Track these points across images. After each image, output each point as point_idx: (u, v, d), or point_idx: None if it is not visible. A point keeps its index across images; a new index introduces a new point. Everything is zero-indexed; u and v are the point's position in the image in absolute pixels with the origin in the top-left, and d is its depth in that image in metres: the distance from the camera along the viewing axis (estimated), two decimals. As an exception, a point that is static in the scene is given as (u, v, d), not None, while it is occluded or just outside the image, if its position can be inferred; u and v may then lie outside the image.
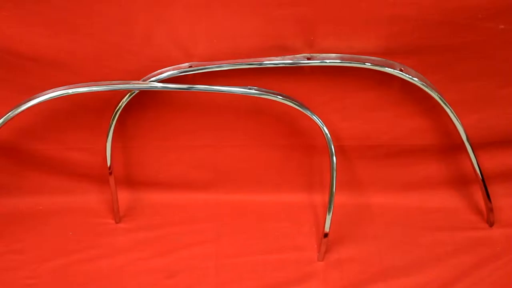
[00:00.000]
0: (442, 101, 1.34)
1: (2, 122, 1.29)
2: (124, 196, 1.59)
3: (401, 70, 1.31)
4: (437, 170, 1.56)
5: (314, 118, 1.33)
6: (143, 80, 1.34)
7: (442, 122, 1.46)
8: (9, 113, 1.28)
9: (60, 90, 1.28)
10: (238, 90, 1.32)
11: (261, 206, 1.59)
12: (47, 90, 1.28)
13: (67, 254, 1.46)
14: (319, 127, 1.33)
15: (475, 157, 1.42)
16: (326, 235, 1.40)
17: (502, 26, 1.29)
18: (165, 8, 1.30)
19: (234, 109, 1.47)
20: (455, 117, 1.36)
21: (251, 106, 1.46)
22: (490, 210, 1.50)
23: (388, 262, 1.42)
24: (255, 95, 1.33)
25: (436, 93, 1.33)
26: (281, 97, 1.33)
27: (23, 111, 1.27)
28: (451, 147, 1.51)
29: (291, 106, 1.34)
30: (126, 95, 1.35)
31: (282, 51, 1.34)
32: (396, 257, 1.43)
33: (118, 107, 1.37)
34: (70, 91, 1.28)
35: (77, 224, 1.55)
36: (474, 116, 1.44)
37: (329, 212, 1.37)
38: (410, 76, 1.31)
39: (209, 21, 1.32)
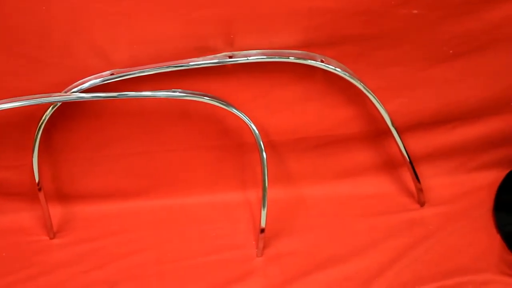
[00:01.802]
0: (365, 89, 1.36)
1: None
2: (56, 211, 1.56)
3: (322, 62, 1.32)
4: (367, 157, 1.59)
5: (241, 116, 1.33)
6: (65, 91, 1.31)
7: (367, 110, 1.48)
8: None
9: (-21, 108, 1.24)
10: (163, 94, 1.31)
11: (196, 209, 1.58)
12: (-35, 109, 1.24)
13: (2, 276, 1.42)
14: (247, 124, 1.34)
15: (401, 141, 1.45)
16: (262, 230, 1.41)
17: (416, 11, 1.32)
18: (81, 16, 1.27)
19: (162, 113, 1.46)
20: (378, 103, 1.38)
21: (179, 109, 1.45)
22: (420, 190, 1.54)
23: (326, 252, 1.44)
24: (180, 98, 1.33)
25: (359, 82, 1.35)
26: (207, 98, 1.33)
27: None
28: (377, 133, 1.53)
29: (218, 106, 1.34)
30: (48, 108, 1.32)
31: (204, 52, 1.34)
32: (333, 247, 1.46)
33: (41, 121, 1.34)
34: (-9, 108, 1.25)
35: (9, 244, 1.51)
36: (397, 101, 1.47)
37: (263, 207, 1.38)
38: (332, 67, 1.33)
39: (127, 26, 1.30)
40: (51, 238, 1.52)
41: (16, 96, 1.28)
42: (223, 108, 1.34)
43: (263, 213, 1.38)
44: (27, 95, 1.28)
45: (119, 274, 1.42)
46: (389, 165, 1.60)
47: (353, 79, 1.34)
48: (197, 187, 1.60)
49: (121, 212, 1.58)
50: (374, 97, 1.37)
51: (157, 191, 1.60)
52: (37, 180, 1.43)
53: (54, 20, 1.27)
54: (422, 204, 1.55)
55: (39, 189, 1.45)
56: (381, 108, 1.39)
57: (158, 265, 1.44)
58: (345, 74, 1.34)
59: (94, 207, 1.58)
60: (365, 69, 1.41)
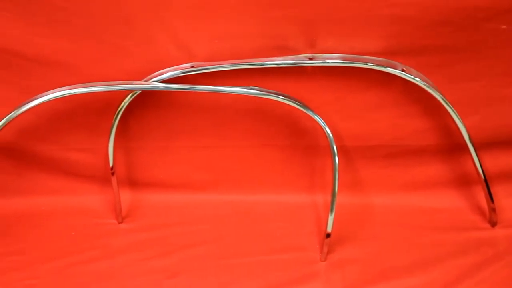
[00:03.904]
0: (444, 101, 1.33)
1: (4, 122, 1.29)
2: (126, 197, 1.59)
3: (403, 70, 1.31)
4: (439, 170, 1.56)
5: (316, 118, 1.33)
6: (145, 81, 1.34)
7: (444, 122, 1.46)
8: (11, 114, 1.28)
9: (62, 91, 1.27)
10: (240, 90, 1.32)
11: (262, 207, 1.59)
12: (49, 90, 1.28)
13: (68, 255, 1.46)
14: (321, 127, 1.33)
15: (478, 158, 1.42)
16: (328, 235, 1.40)
17: (504, 26, 1.30)
18: (165, 8, 1.30)
19: (236, 109, 1.47)
20: (457, 117, 1.36)
21: (253, 107, 1.46)
22: (493, 210, 1.49)
23: (390, 262, 1.42)
24: (257, 95, 1.33)
25: (438, 93, 1.33)
26: (283, 97, 1.33)
27: (24, 111, 1.27)
28: (453, 147, 1.50)
29: (293, 106, 1.34)
30: (128, 95, 1.35)
31: (284, 51, 1.34)
32: (398, 258, 1.43)
33: (120, 107, 1.37)
34: (72, 91, 1.28)
35: (79, 224, 1.55)
36: (476, 116, 1.44)
37: (331, 212, 1.36)
38: (412, 76, 1.31)
39: (210, 21, 1.32)
40: (119, 223, 1.56)
41: (96, 81, 1.32)
42: (298, 108, 1.34)
43: (330, 218, 1.37)
44: (107, 81, 1.32)
45: (179, 264, 1.44)
46: (462, 181, 1.56)
47: (433, 90, 1.32)
48: (264, 185, 1.60)
49: (188, 203, 1.60)
50: (453, 110, 1.34)
51: (225, 186, 1.61)
52: (111, 165, 1.46)
53: (139, 10, 1.31)
54: (493, 224, 1.51)
55: (112, 174, 1.48)
56: (460, 122, 1.36)
57: (218, 259, 1.45)
58: (424, 85, 1.32)
59: (162, 196, 1.61)
60: (445, 81, 1.38)
